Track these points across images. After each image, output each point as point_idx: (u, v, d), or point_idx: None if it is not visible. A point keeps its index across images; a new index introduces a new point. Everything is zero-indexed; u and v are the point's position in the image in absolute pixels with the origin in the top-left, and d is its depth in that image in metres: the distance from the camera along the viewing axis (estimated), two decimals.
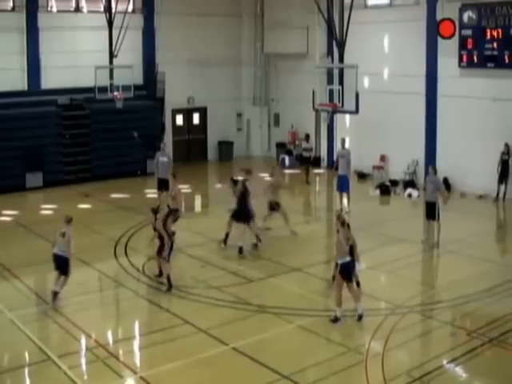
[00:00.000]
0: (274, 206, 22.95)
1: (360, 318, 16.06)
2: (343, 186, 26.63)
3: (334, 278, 17.14)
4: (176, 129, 38.13)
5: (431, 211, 21.95)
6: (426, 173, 25.85)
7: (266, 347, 14.78)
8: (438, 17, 28.31)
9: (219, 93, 38.45)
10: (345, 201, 26.76)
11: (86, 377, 13.63)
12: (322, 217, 27.37)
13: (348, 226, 16.43)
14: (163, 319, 16.45)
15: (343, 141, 27.69)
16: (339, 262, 16.09)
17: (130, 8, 34.20)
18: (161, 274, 18.80)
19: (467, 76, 28.76)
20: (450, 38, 27.63)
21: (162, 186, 25.90)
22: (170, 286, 18.02)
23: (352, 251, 16.17)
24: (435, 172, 22.64)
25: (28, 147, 30.44)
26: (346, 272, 16.00)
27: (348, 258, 16.02)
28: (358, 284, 17.39)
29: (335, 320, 15.96)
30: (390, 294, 18.01)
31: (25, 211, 27.18)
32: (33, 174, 30.91)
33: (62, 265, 17.43)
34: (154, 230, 18.57)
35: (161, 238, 18.31)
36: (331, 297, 17.94)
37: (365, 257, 20.83)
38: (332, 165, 34.01)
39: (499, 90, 27.55)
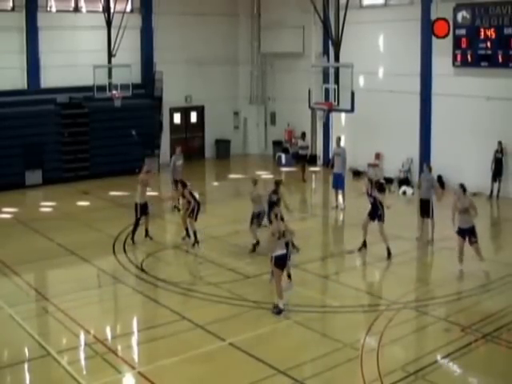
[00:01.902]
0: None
1: (279, 312, 16.21)
2: (338, 183, 26.88)
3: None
4: (174, 127, 38.29)
5: (425, 208, 22.15)
6: (421, 171, 26.07)
7: (263, 343, 14.93)
8: (433, 16, 28.35)
9: (216, 92, 38.59)
10: (340, 198, 26.99)
11: (84, 372, 13.69)
12: (318, 214, 27.51)
13: (282, 219, 16.63)
14: (161, 315, 16.56)
15: (338, 139, 27.91)
16: (272, 254, 16.26)
17: (129, 8, 34.47)
18: (188, 235, 22.10)
19: (461, 75, 28.93)
20: (444, 37, 27.69)
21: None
22: (196, 241, 21.76)
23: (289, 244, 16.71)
24: (430, 170, 22.82)
25: (27, 145, 30.59)
26: (280, 264, 16.28)
27: (280, 252, 16.23)
28: (289, 276, 17.63)
29: (279, 312, 16.13)
30: (384, 290, 18.25)
31: (24, 208, 27.37)
32: (32, 171, 31.07)
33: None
34: (183, 197, 22.47)
35: (189, 202, 21.84)
36: (327, 294, 18.30)
37: (360, 253, 21.12)
38: (328, 163, 34.27)
39: (493, 88, 27.71)
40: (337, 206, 26.88)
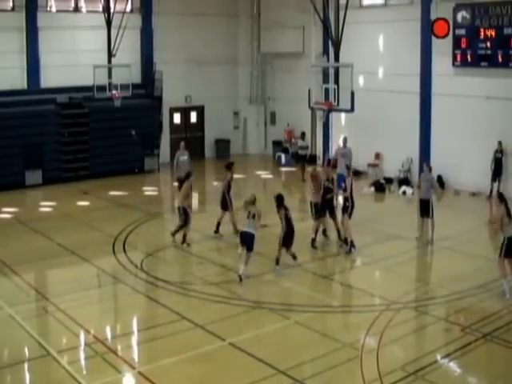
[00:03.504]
0: None
1: (240, 279, 18.37)
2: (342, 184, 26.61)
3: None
4: (174, 127, 38.31)
5: (425, 208, 22.16)
6: (421, 170, 26.07)
7: (263, 342, 14.97)
8: (433, 16, 28.35)
9: (216, 91, 38.62)
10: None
11: (84, 372, 13.70)
12: None
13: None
14: (161, 315, 16.55)
15: (345, 140, 27.42)
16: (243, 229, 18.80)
17: (129, 8, 34.46)
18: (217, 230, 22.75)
19: (461, 75, 28.95)
20: (444, 37, 27.68)
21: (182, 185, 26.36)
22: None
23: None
24: (430, 169, 22.84)
25: (27, 145, 30.57)
26: (241, 241, 18.64)
27: (245, 229, 18.62)
28: (294, 257, 19.45)
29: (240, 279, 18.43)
30: (384, 289, 18.18)
31: (24, 208, 27.38)
32: (32, 171, 31.02)
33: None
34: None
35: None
36: (327, 293, 18.35)
37: (360, 253, 21.13)
38: (329, 162, 34.26)
39: (492, 88, 27.75)
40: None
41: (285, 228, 18.88)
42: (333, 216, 22.18)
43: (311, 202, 22.29)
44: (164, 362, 13.83)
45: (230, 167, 22.99)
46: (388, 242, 21.80)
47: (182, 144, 27.60)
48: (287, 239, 19.04)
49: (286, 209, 19.09)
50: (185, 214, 21.94)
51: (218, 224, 22.67)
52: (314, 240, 21.65)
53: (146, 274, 19.37)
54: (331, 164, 27.20)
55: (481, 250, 21.21)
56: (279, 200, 19.10)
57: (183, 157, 26.90)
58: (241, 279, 18.34)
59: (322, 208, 21.84)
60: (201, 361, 13.94)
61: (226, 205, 22.56)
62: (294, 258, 19.36)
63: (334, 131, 35.56)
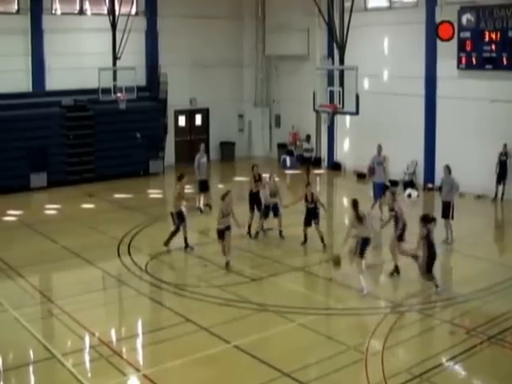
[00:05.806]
0: None
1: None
2: (381, 193, 26.13)
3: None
4: (178, 130, 38.34)
5: (445, 211, 22.14)
6: (426, 172, 25.99)
7: (268, 345, 14.96)
8: (437, 19, 28.42)
9: (221, 94, 38.67)
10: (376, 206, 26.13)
11: (89, 374, 13.71)
12: (323, 216, 27.40)
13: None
14: (166, 317, 16.59)
15: (380, 147, 26.47)
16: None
17: (134, 11, 34.36)
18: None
19: (466, 77, 28.91)
20: (448, 40, 27.71)
21: (204, 187, 26.72)
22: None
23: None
24: (449, 172, 22.76)
25: (32, 148, 30.63)
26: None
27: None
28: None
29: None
30: (389, 292, 18.22)
31: (29, 211, 27.43)
32: (37, 174, 31.07)
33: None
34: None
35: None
36: (331, 296, 18.34)
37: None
38: (333, 165, 34.41)
39: (497, 91, 27.70)
40: (365, 214, 25.90)
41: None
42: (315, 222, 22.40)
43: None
44: (169, 365, 13.84)
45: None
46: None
47: (202, 146, 27.71)
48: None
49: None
50: (180, 218, 21.88)
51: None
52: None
53: (151, 277, 19.38)
54: (368, 173, 26.72)
55: (485, 253, 21.22)
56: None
57: (203, 159, 27.01)
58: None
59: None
60: (206, 363, 13.94)
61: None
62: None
63: (338, 134, 35.59)
